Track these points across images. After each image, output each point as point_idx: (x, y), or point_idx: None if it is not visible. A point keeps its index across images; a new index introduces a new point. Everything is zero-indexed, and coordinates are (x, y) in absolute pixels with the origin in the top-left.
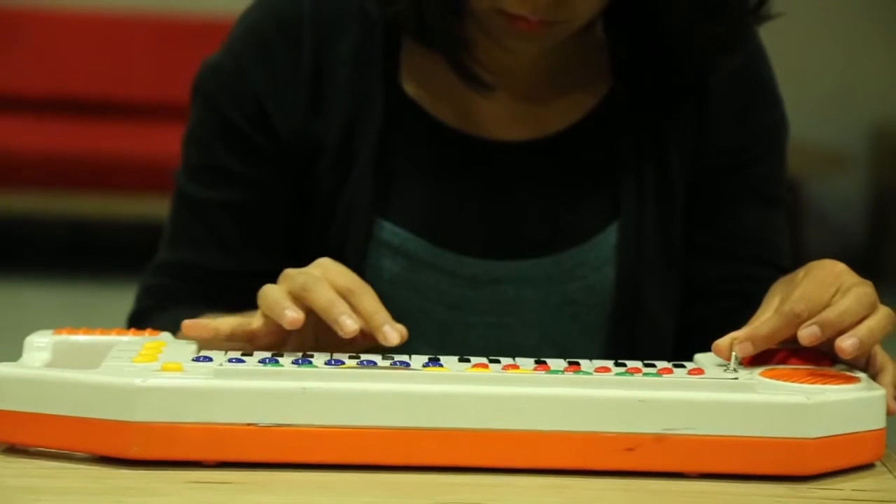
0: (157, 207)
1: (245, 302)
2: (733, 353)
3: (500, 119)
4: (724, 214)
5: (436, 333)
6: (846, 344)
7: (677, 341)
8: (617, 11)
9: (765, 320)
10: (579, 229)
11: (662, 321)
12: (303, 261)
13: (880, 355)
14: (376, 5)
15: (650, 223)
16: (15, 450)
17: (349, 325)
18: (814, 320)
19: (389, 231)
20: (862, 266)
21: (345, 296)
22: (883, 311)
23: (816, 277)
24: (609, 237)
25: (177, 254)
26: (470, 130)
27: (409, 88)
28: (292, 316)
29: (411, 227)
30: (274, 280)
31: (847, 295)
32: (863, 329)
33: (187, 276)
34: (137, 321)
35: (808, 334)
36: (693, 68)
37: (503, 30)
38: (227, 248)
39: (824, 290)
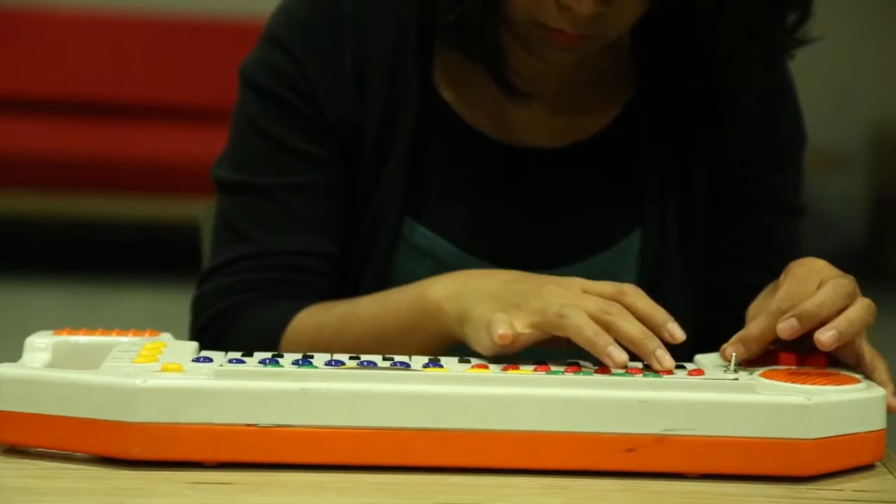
0: (157, 207)
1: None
2: (733, 354)
3: (533, 126)
4: (736, 223)
5: None
6: (825, 336)
7: None
8: (647, 23)
9: (755, 322)
10: (604, 236)
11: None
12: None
13: (868, 353)
14: (414, 14)
15: (672, 231)
16: (15, 450)
17: (618, 356)
18: (791, 313)
19: (420, 234)
20: (862, 266)
21: (604, 321)
22: (862, 302)
23: (798, 274)
24: (632, 244)
25: (253, 246)
26: (504, 138)
27: (446, 94)
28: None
29: (442, 231)
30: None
31: (825, 287)
32: (841, 320)
33: (274, 265)
34: (228, 320)
35: (786, 327)
36: (727, 87)
37: (540, 41)
38: (308, 229)
39: (806, 285)
